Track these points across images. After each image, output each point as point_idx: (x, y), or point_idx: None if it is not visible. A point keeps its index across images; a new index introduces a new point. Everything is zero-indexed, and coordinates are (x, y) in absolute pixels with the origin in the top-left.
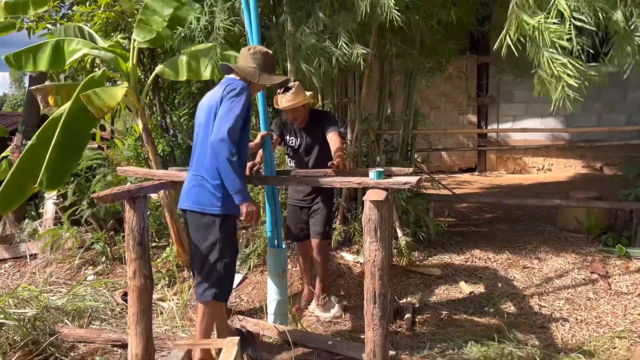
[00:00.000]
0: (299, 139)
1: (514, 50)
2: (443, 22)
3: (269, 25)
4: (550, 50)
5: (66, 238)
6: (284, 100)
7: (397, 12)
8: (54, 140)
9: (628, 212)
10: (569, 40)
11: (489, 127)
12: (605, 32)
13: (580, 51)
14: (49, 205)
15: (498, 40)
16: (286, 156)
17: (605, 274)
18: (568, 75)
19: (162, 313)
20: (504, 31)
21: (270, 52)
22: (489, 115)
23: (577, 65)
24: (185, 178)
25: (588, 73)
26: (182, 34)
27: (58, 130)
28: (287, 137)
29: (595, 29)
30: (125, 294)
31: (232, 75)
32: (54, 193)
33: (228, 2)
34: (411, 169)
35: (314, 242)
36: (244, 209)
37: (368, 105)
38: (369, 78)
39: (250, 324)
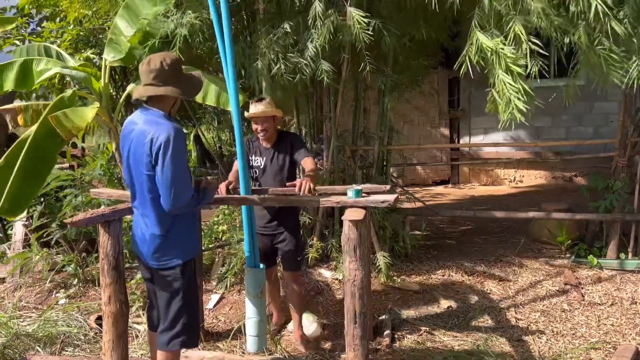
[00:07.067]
0: (264, 158)
1: (470, 69)
2: (415, 39)
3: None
4: (505, 73)
5: (36, 261)
6: (259, 108)
7: (366, 34)
8: (17, 164)
9: (598, 223)
10: (524, 66)
11: (461, 140)
12: (571, 46)
13: (546, 66)
14: (18, 227)
15: (458, 61)
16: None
17: (578, 285)
18: (518, 99)
19: (137, 336)
20: (464, 51)
21: (173, 57)
22: (461, 129)
23: (528, 90)
24: (134, 215)
25: (535, 100)
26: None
27: (23, 153)
28: (252, 157)
29: (547, 53)
30: (99, 318)
31: (151, 106)
32: (24, 214)
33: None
34: (388, 187)
35: (288, 275)
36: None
37: (343, 122)
38: (343, 95)
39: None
